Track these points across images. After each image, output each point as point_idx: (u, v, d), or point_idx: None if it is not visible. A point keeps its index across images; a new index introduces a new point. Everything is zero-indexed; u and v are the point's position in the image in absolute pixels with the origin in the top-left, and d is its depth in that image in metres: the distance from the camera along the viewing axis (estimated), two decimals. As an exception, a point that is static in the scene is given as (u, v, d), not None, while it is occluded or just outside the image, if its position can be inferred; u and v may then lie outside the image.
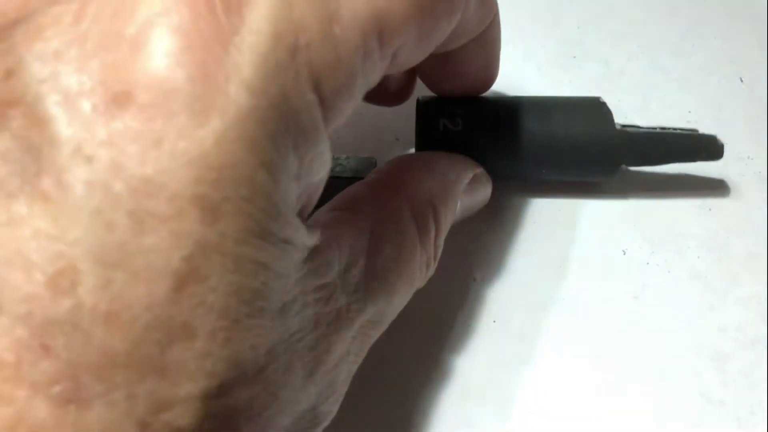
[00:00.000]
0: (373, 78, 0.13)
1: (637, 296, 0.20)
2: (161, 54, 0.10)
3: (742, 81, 0.23)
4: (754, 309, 0.20)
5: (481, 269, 0.21)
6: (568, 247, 0.21)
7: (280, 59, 0.10)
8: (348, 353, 0.14)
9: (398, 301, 0.16)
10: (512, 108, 0.19)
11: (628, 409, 0.19)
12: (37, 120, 0.10)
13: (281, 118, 0.11)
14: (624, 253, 0.21)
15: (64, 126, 0.10)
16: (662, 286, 0.20)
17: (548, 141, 0.19)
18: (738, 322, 0.19)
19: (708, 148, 0.20)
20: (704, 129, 0.22)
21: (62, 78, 0.10)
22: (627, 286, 0.20)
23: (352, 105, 0.12)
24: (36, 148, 0.10)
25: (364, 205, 0.16)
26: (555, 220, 0.21)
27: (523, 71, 0.24)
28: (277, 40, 0.10)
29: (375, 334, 0.16)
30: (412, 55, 0.14)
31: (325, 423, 0.15)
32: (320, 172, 0.12)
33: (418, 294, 0.20)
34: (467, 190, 0.19)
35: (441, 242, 0.18)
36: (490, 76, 0.19)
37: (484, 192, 0.20)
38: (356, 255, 0.14)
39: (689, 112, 0.23)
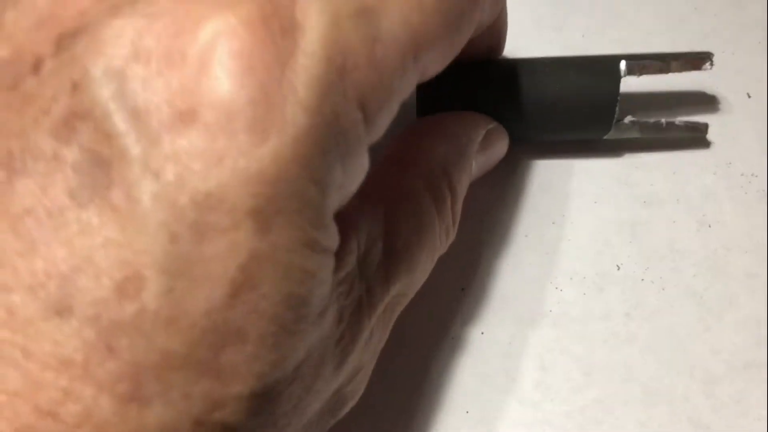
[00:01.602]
0: (407, 92, 0.13)
1: (629, 313, 0.20)
2: (224, 75, 0.10)
3: (749, 96, 0.22)
4: (751, 332, 0.19)
5: (469, 279, 0.20)
6: (560, 260, 0.20)
7: (331, 80, 0.11)
8: (372, 335, 0.15)
9: (420, 274, 0.16)
10: (507, 68, 0.19)
11: (613, 430, 0.18)
12: (106, 135, 0.10)
13: (332, 136, 0.11)
14: (618, 268, 0.20)
15: (132, 142, 0.10)
16: (656, 304, 0.20)
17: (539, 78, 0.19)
18: (733, 345, 0.19)
19: (697, 55, 0.20)
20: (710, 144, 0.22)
21: (128, 95, 0.10)
22: (619, 302, 0.20)
23: (390, 119, 0.13)
24: (106, 162, 0.10)
25: (377, 186, 0.16)
26: (546, 231, 0.21)
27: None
28: (328, 63, 0.11)
29: (399, 308, 0.16)
30: (439, 65, 0.14)
31: (352, 402, 0.15)
32: (359, 180, 0.13)
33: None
34: (481, 148, 0.18)
35: (459, 207, 0.18)
36: (498, 49, 0.19)
37: (500, 146, 0.20)
38: (374, 239, 0.15)
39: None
